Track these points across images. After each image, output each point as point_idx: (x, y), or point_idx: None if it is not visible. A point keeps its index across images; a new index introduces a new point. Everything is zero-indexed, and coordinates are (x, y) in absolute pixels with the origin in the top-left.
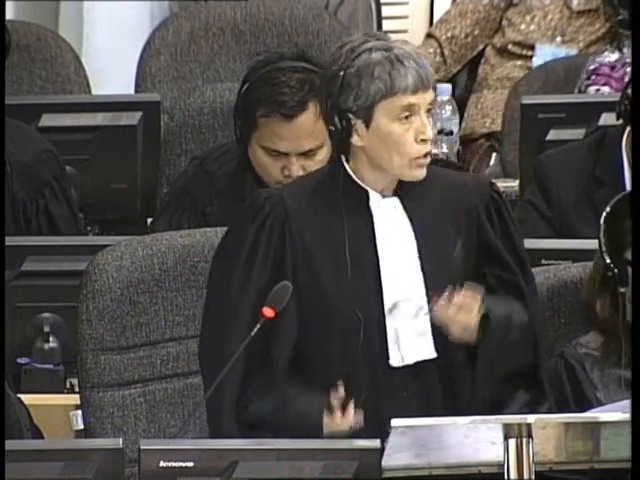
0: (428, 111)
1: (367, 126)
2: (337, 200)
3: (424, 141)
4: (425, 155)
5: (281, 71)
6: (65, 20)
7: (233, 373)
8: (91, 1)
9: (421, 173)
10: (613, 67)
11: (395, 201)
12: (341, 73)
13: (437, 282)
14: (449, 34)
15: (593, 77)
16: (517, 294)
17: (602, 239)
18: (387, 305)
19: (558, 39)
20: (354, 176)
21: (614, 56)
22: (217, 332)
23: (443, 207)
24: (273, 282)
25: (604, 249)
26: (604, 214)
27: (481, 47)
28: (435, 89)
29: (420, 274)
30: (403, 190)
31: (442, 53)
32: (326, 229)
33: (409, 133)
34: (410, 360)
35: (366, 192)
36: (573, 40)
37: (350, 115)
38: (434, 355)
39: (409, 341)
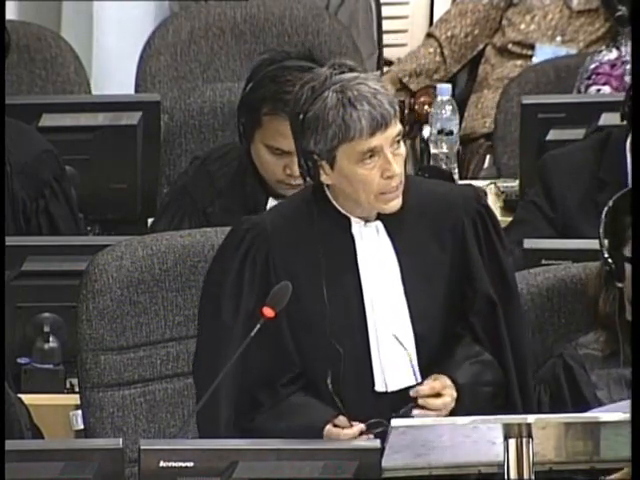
0: (398, 142)
1: (332, 167)
2: (320, 228)
3: (390, 177)
4: (395, 189)
5: (287, 70)
6: (68, 20)
7: (229, 390)
8: (97, 1)
9: (394, 205)
10: (613, 65)
11: (378, 225)
12: (301, 116)
13: (420, 307)
14: (449, 33)
15: (593, 77)
16: (491, 335)
17: (602, 234)
18: (370, 332)
19: (558, 39)
20: (335, 203)
21: (613, 54)
22: (210, 359)
23: (428, 226)
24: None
25: (604, 244)
26: (606, 209)
27: (481, 47)
28: (401, 122)
29: (404, 299)
30: (386, 213)
31: (442, 53)
32: (309, 258)
33: (374, 171)
34: (394, 387)
35: (348, 219)
36: (573, 40)
37: (315, 156)
38: (419, 381)
39: (393, 368)
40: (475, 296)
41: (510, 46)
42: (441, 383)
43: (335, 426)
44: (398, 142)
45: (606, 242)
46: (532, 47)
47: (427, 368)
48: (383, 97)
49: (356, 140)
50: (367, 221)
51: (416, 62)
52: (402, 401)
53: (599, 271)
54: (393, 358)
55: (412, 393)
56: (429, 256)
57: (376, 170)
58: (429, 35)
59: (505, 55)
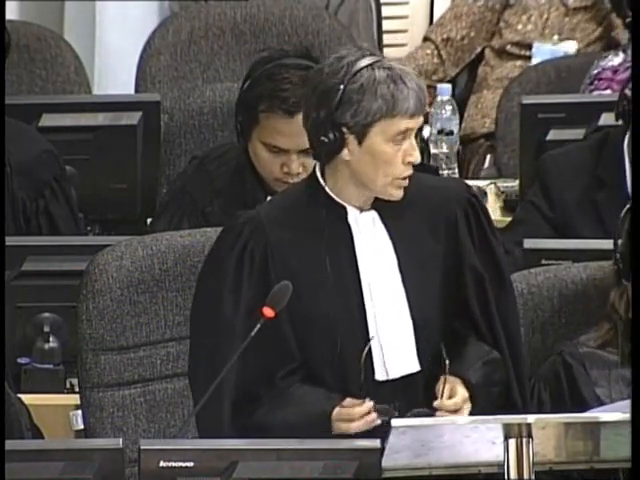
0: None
1: (360, 142)
2: (316, 218)
3: (410, 163)
4: (406, 177)
5: (284, 67)
6: (70, 21)
7: (231, 387)
8: (99, 1)
9: (399, 193)
10: (616, 71)
11: (373, 214)
12: (341, 87)
13: (418, 295)
14: (445, 36)
15: (596, 82)
16: (486, 324)
17: (618, 232)
18: (370, 321)
19: (555, 37)
20: (331, 193)
21: (617, 59)
22: (209, 354)
23: (422, 217)
24: (259, 305)
25: (618, 242)
26: (626, 208)
27: (479, 49)
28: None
29: (402, 288)
30: (381, 202)
31: (439, 54)
32: (307, 249)
33: (398, 154)
34: (395, 375)
35: (344, 208)
36: (571, 38)
37: (344, 129)
38: (418, 368)
39: (393, 356)
40: (467, 287)
41: (508, 47)
42: (462, 397)
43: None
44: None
45: (620, 241)
46: (530, 47)
47: (426, 357)
48: (423, 83)
49: (398, 117)
50: (362, 210)
51: (414, 63)
52: (403, 388)
53: (613, 268)
54: (393, 346)
55: (436, 405)
56: (424, 246)
57: (400, 153)
58: (425, 39)
59: (504, 57)
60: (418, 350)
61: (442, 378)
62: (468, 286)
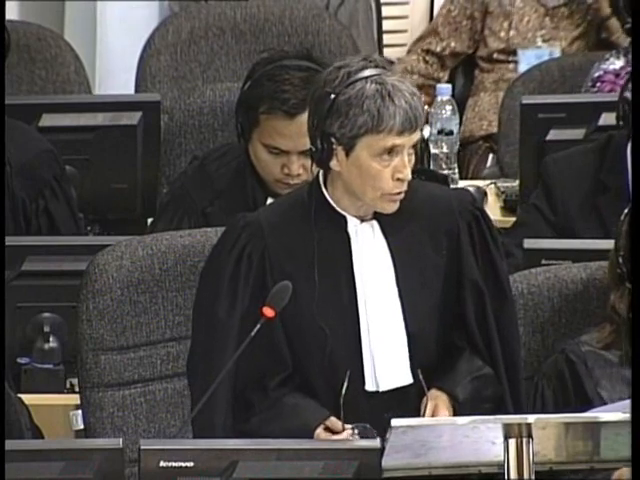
0: (413, 147)
1: (347, 155)
2: (315, 226)
3: (400, 180)
4: (399, 193)
5: (285, 69)
6: (71, 21)
7: (225, 392)
8: (100, 1)
9: (392, 207)
10: (618, 74)
11: (374, 225)
12: (332, 97)
13: (414, 307)
14: (425, 47)
15: (598, 84)
16: (484, 339)
17: (619, 234)
18: (363, 332)
19: (539, 40)
20: (331, 201)
21: (619, 63)
22: (205, 358)
23: (424, 227)
24: (255, 309)
25: (620, 244)
26: (625, 210)
27: (464, 56)
28: (423, 129)
29: (397, 300)
30: (383, 213)
31: (425, 60)
32: (304, 257)
33: (387, 170)
34: (385, 387)
35: (344, 217)
36: (555, 38)
37: (332, 140)
38: (410, 381)
39: (385, 368)
40: (465, 301)
41: (495, 55)
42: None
43: (326, 428)
44: (414, 147)
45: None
46: (516, 53)
47: (421, 369)
48: (418, 100)
49: (384, 134)
50: (363, 220)
51: (405, 64)
52: (394, 401)
53: (613, 268)
54: (385, 358)
55: None
56: (424, 258)
57: (389, 169)
58: (408, 51)
59: (494, 63)
60: (412, 363)
61: (425, 398)
62: (467, 300)
